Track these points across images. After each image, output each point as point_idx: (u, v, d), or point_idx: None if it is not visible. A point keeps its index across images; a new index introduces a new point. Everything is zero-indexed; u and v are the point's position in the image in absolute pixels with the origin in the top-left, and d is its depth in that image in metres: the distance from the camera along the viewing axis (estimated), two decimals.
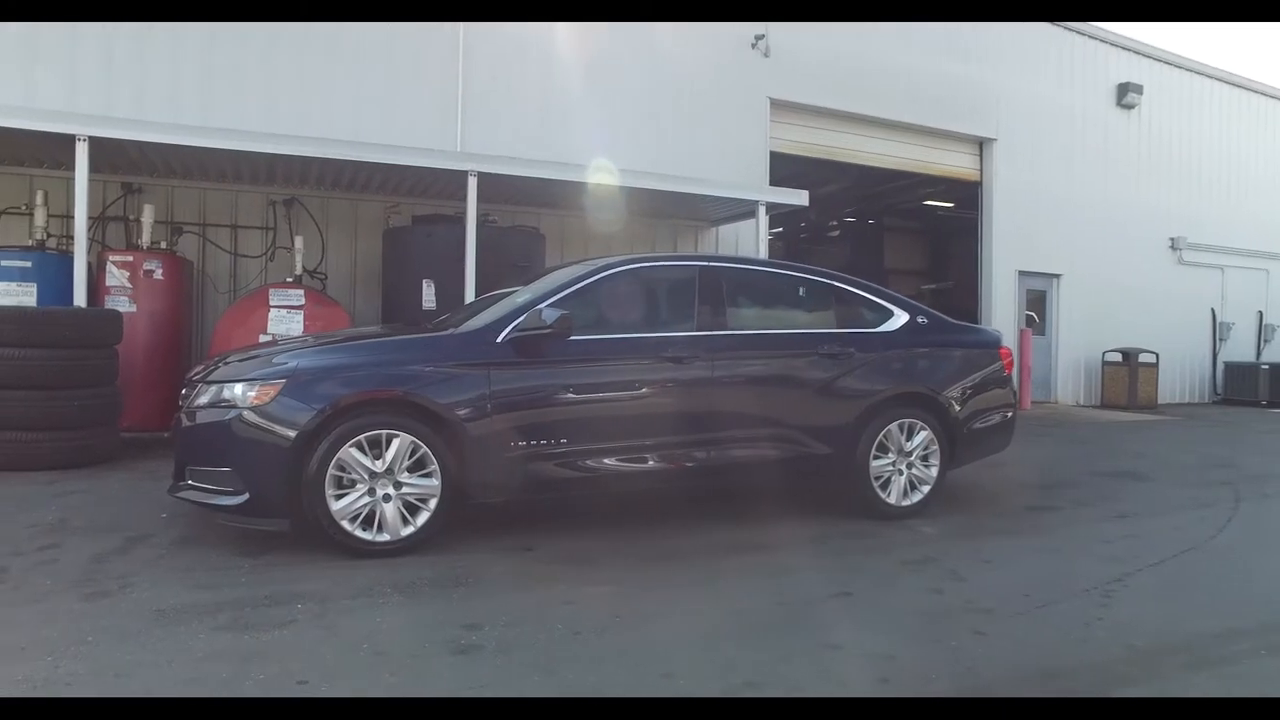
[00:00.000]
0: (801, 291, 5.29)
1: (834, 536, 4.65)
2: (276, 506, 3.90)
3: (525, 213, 9.49)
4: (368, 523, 3.91)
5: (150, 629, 2.99)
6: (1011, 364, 5.65)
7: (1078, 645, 3.11)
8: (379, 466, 3.91)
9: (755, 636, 3.11)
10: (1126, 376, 13.63)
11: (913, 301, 5.49)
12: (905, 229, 20.01)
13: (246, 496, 3.87)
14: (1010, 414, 5.59)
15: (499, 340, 4.20)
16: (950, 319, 5.62)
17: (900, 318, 5.27)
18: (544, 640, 3.00)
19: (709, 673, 2.77)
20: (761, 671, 2.78)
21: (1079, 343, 14.04)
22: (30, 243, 7.01)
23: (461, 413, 4.04)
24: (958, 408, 5.24)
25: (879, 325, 5.22)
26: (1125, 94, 14.22)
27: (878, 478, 5.00)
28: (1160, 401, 14.04)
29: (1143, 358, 13.69)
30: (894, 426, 5.04)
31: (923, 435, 5.11)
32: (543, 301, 4.33)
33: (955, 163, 13.21)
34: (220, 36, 8.25)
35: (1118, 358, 13.81)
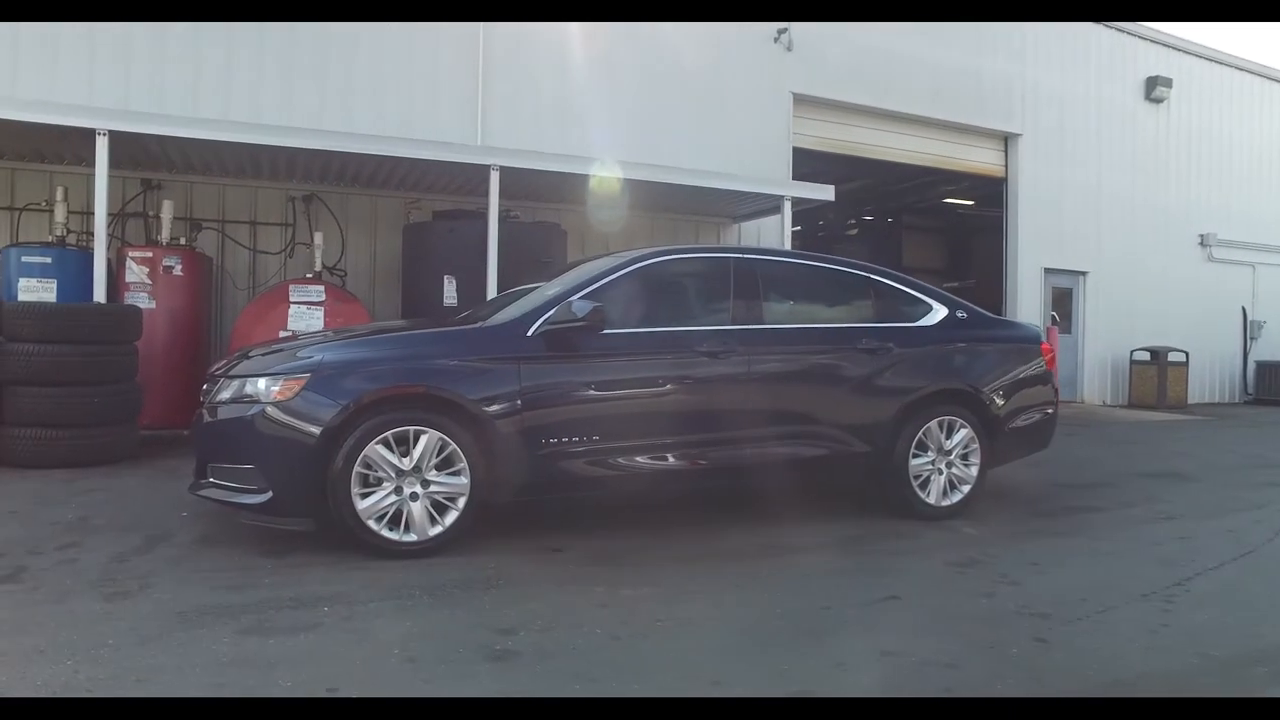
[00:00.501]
0: (838, 285, 5.12)
1: (874, 537, 4.48)
2: (300, 505, 3.78)
3: (546, 209, 9.37)
4: (394, 522, 3.78)
5: (172, 632, 2.87)
6: (1053, 360, 5.46)
7: (1147, 654, 2.93)
8: (406, 464, 3.77)
9: (805, 641, 2.95)
10: (1156, 376, 13.35)
11: (951, 296, 5.31)
12: (924, 227, 19.77)
13: (270, 495, 3.74)
14: (1051, 411, 5.40)
15: (529, 334, 4.06)
16: (989, 314, 5.44)
17: (939, 312, 5.10)
18: (583, 646, 2.86)
19: (761, 680, 2.61)
20: (816, 678, 2.63)
21: (1105, 341, 13.76)
22: (50, 239, 6.94)
23: (491, 408, 3.90)
24: (999, 405, 5.06)
25: (917, 320, 5.04)
26: (1154, 88, 13.94)
27: (917, 477, 4.83)
28: (1190, 401, 13.75)
29: (1172, 357, 13.41)
30: (933, 424, 4.86)
31: (963, 433, 4.93)
32: (574, 294, 4.18)
33: (980, 158, 13.00)
34: (238, 35, 8.17)
35: (1146, 356, 13.54)
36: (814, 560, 4.02)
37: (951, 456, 4.91)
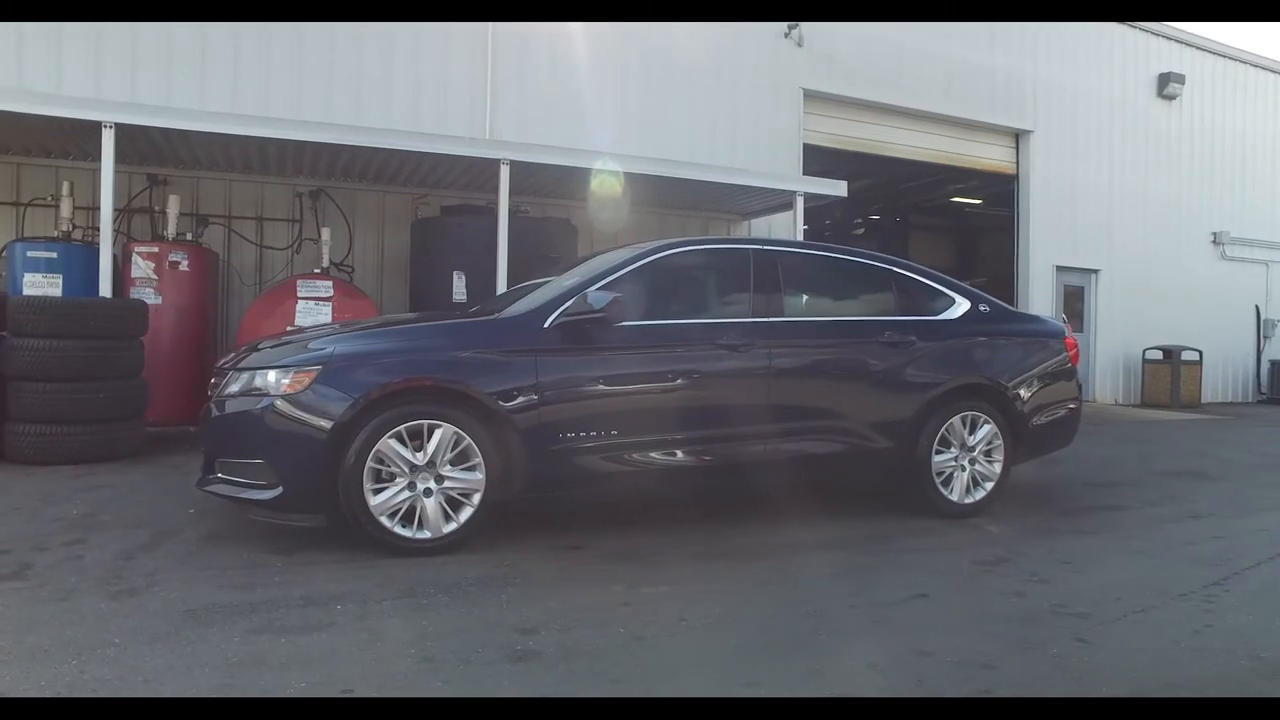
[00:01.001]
0: (859, 277, 4.99)
1: (897, 535, 4.37)
2: (311, 501, 3.67)
3: (555, 205, 9.28)
4: (408, 519, 3.67)
5: (180, 631, 2.77)
6: (1077, 355, 5.35)
7: (1195, 655, 2.82)
8: (420, 459, 3.67)
9: (836, 641, 2.85)
10: (1169, 375, 13.22)
11: (974, 289, 5.20)
12: (932, 226, 19.62)
13: (280, 490, 3.64)
14: (1074, 407, 5.28)
15: (546, 326, 3.94)
16: (1012, 308, 5.32)
17: (962, 305, 4.98)
18: (606, 646, 2.75)
19: (794, 681, 2.51)
20: (854, 680, 2.53)
21: (1118, 340, 13.62)
22: (56, 234, 6.88)
23: (507, 402, 3.79)
24: (1023, 400, 4.94)
25: (940, 313, 4.93)
26: (1167, 84, 13.80)
27: (939, 474, 4.71)
28: (1203, 400, 13.61)
29: (1185, 355, 13.27)
30: (956, 420, 4.74)
31: (986, 429, 4.82)
32: (591, 285, 4.07)
33: (992, 155, 12.87)
34: (244, 33, 8.08)
35: (1158, 355, 13.40)
36: (838, 558, 3.92)
37: (975, 453, 4.80)
